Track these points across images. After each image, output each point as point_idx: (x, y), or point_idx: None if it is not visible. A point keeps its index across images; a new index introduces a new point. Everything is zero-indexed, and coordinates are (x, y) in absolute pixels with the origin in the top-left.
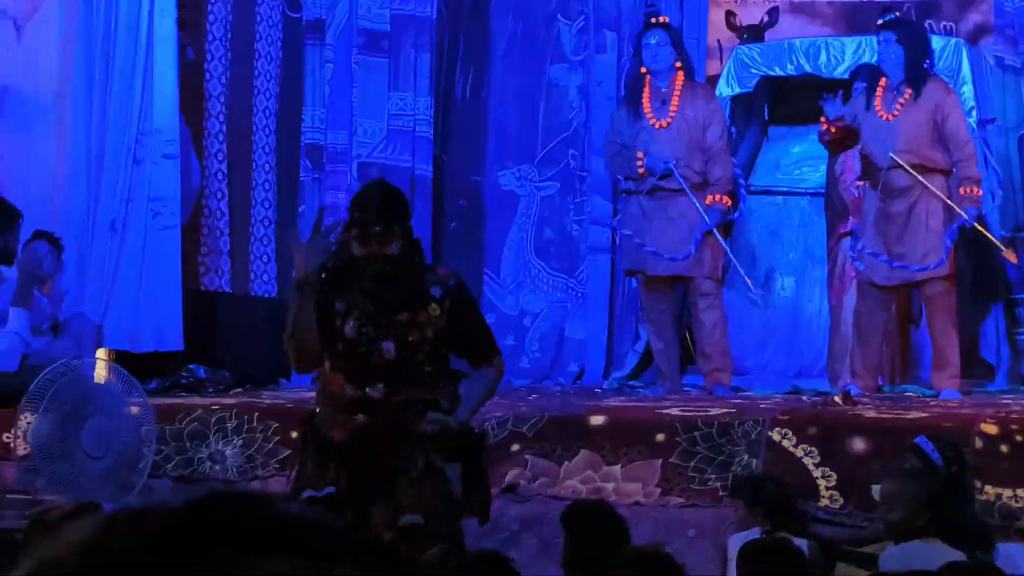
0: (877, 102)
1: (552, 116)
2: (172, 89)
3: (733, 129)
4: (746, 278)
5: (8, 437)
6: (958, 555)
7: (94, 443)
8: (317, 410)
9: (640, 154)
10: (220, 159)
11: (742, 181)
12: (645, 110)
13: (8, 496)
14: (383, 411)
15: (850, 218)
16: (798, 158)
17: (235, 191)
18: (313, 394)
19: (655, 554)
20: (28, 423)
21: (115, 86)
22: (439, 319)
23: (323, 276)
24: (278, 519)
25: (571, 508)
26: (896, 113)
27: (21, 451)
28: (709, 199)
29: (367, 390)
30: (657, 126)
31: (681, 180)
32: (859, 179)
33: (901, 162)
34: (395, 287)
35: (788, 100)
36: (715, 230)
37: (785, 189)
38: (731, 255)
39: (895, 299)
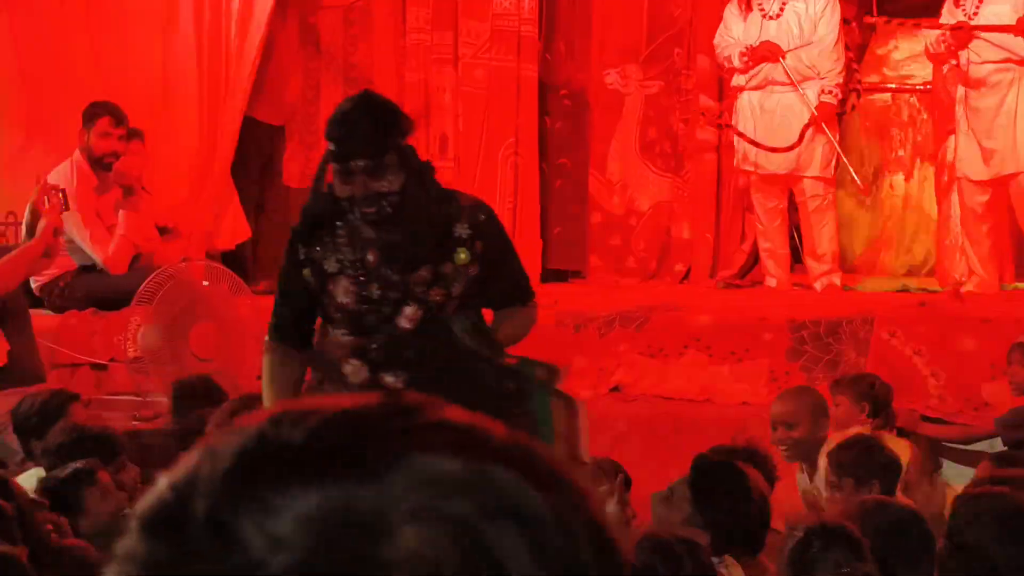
0: None
1: (657, 14)
2: None
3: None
4: (854, 176)
5: (119, 339)
6: None
7: (202, 345)
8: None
9: (748, 47)
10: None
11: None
12: (757, 1)
13: (118, 397)
14: None
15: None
16: (906, 54)
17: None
18: None
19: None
20: (137, 325)
21: None
22: (469, 267)
23: (300, 229)
24: (442, 421)
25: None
26: (975, 12)
27: (131, 353)
28: (820, 93)
29: (386, 377)
30: (766, 18)
31: (789, 73)
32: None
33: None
34: (404, 233)
35: None
36: (824, 125)
37: (893, 86)
38: (840, 151)
39: (996, 194)
